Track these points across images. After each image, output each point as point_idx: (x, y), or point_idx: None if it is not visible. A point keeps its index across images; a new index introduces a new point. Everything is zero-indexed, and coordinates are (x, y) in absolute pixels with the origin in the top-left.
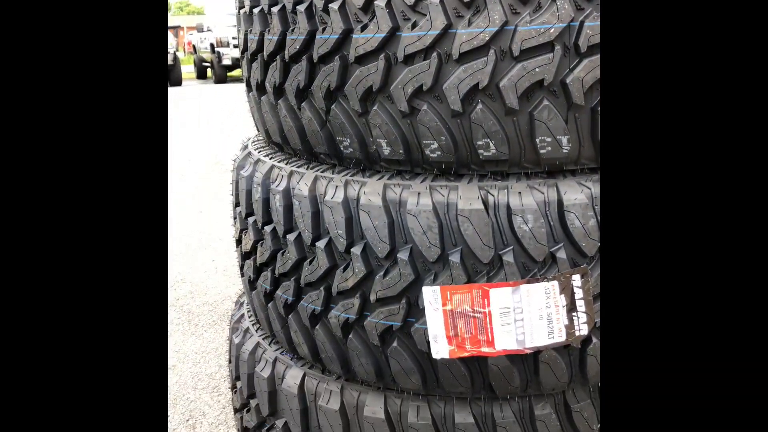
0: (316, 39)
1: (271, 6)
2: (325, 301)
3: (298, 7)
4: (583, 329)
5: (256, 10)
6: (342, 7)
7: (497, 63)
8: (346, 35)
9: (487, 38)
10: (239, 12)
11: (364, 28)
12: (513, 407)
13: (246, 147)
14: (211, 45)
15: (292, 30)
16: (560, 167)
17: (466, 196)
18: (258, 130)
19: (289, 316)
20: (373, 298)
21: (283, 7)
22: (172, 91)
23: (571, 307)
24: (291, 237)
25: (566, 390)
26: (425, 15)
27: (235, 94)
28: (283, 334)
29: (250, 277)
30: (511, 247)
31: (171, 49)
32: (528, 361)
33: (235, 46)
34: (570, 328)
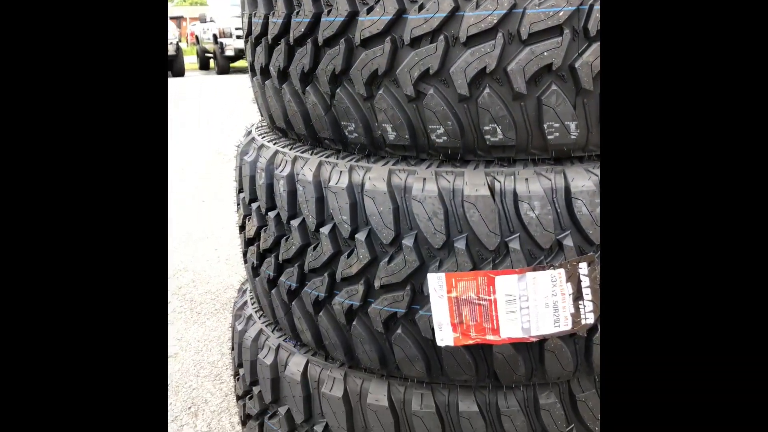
0: (322, 22)
1: None
2: (328, 288)
3: None
4: (589, 318)
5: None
6: None
7: (505, 46)
8: (352, 18)
9: (495, 21)
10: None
11: (370, 10)
12: (517, 396)
13: (250, 133)
14: (214, 36)
15: (297, 13)
16: (568, 153)
17: (473, 183)
18: (262, 115)
19: (293, 303)
20: (377, 284)
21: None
22: (175, 82)
23: (578, 296)
24: (295, 223)
25: (571, 379)
26: None
27: (238, 85)
28: (287, 320)
29: (253, 263)
30: (518, 234)
31: (174, 40)
32: (533, 350)
33: (239, 37)
34: (576, 316)
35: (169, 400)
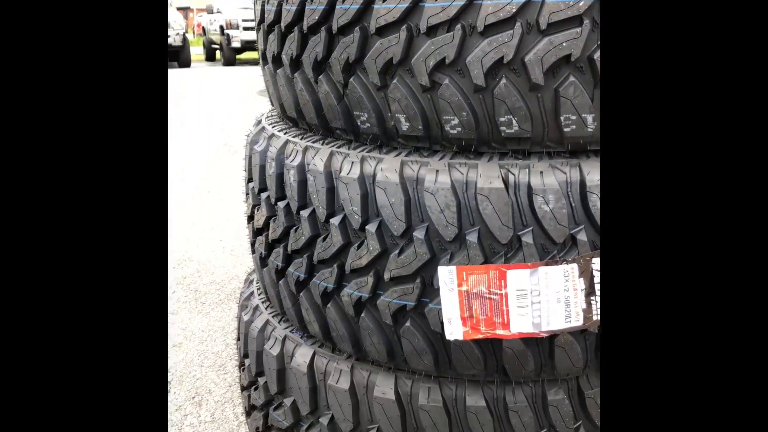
0: (336, 9)
1: None
2: (337, 279)
3: None
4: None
5: None
6: None
7: (523, 36)
8: (368, 5)
9: (514, 10)
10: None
11: None
12: (525, 391)
13: (260, 122)
14: (221, 27)
15: (312, 0)
16: (584, 147)
17: (486, 175)
18: (272, 104)
19: (301, 294)
20: (387, 276)
21: None
22: (181, 73)
23: (590, 291)
24: (305, 213)
25: (580, 375)
26: None
27: (244, 78)
28: (294, 311)
29: (261, 253)
30: (531, 228)
31: (180, 31)
32: (543, 345)
33: (245, 29)
34: (588, 312)
35: (173, 390)
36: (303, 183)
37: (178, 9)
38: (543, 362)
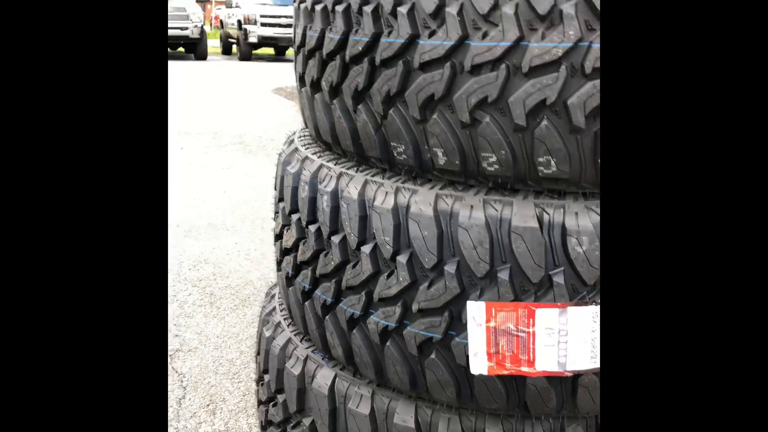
0: (381, 42)
1: (335, 4)
2: (365, 306)
3: (364, 8)
4: None
5: (318, 7)
6: (410, 12)
7: (567, 79)
8: (412, 41)
9: (560, 54)
10: (298, 6)
11: (431, 34)
12: (544, 426)
13: (292, 142)
14: (239, 21)
15: (356, 31)
16: None
17: (521, 213)
18: (306, 126)
19: (326, 317)
20: (415, 308)
21: (348, 7)
22: (197, 65)
23: None
24: (336, 239)
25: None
26: (497, 25)
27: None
28: (318, 334)
29: (288, 273)
30: (563, 269)
31: (198, 23)
32: (567, 384)
33: (263, 24)
34: None
35: (188, 396)
36: (336, 209)
37: (197, 1)
38: (565, 400)
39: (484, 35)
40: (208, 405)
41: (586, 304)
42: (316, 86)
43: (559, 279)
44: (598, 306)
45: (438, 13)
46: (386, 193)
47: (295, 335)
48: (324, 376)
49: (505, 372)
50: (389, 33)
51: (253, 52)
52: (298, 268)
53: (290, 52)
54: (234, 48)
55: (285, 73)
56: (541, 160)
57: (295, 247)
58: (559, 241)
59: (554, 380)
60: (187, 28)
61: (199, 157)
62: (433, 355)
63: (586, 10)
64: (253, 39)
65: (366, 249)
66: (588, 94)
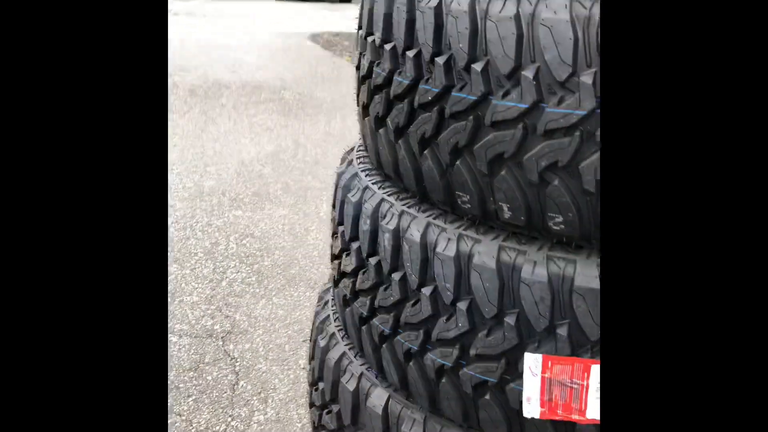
0: (452, 95)
1: (406, 49)
2: (422, 344)
3: (437, 59)
4: None
5: (387, 47)
6: (485, 70)
7: None
8: (485, 98)
9: None
10: (364, 38)
11: (505, 94)
12: None
13: (350, 162)
14: None
15: (427, 80)
16: None
17: (584, 273)
18: (366, 150)
19: (383, 346)
20: (472, 352)
21: (419, 54)
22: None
23: None
24: (396, 276)
25: None
26: (574, 93)
27: (295, 16)
28: (374, 358)
29: (345, 295)
30: None
31: None
32: None
33: None
34: None
35: (241, 383)
36: (397, 248)
37: None
38: None
39: (560, 101)
40: (260, 393)
41: None
42: (380, 122)
43: None
44: None
45: (513, 75)
46: (449, 239)
47: (349, 349)
48: (378, 396)
49: (557, 418)
50: (461, 87)
51: None
52: (356, 293)
53: None
54: None
55: (321, 18)
56: None
57: (354, 273)
58: None
59: None
60: None
61: (239, 115)
62: (487, 396)
63: None
64: None
65: (426, 291)
66: None
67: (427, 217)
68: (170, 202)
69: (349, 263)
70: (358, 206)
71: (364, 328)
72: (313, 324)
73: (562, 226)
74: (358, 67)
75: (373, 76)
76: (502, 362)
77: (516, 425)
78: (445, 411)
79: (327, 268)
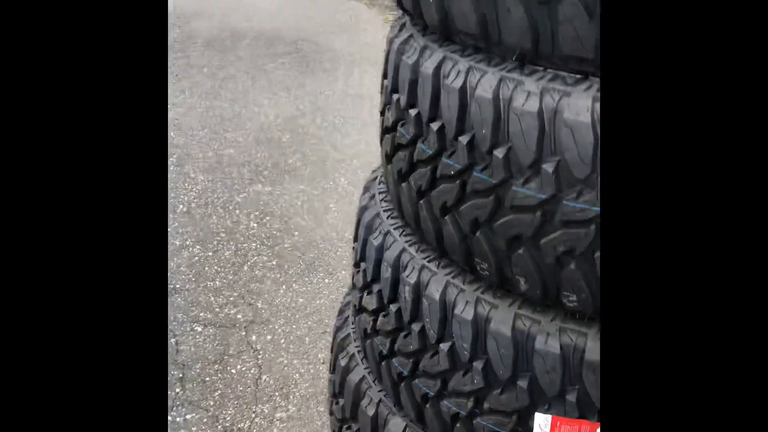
0: (474, 175)
1: (430, 121)
2: (439, 391)
3: (460, 138)
4: None
5: (412, 112)
6: (507, 157)
7: None
8: (505, 182)
9: None
10: (390, 93)
11: (526, 181)
12: None
13: (373, 197)
14: None
15: (449, 155)
16: None
17: (595, 348)
18: (389, 192)
19: (401, 384)
20: (486, 406)
21: (443, 128)
22: None
23: None
24: (416, 327)
25: None
26: (593, 190)
27: None
28: (392, 392)
29: (366, 329)
30: None
31: None
32: None
33: None
34: None
35: (263, 377)
36: (417, 301)
37: None
38: None
39: (578, 195)
40: (282, 388)
41: None
42: (403, 178)
43: None
44: None
45: (534, 165)
46: (467, 302)
47: (369, 373)
48: (396, 425)
49: None
50: (483, 169)
51: None
52: (377, 332)
53: None
54: None
55: None
56: None
57: (374, 313)
58: None
59: None
60: None
61: (257, 71)
62: None
63: None
64: None
65: (444, 347)
66: None
67: (447, 275)
68: (191, 174)
69: (370, 302)
70: (380, 251)
71: (383, 363)
72: (334, 338)
73: (576, 304)
74: (382, 113)
75: (398, 134)
76: (514, 417)
77: None
78: None
79: (345, 252)
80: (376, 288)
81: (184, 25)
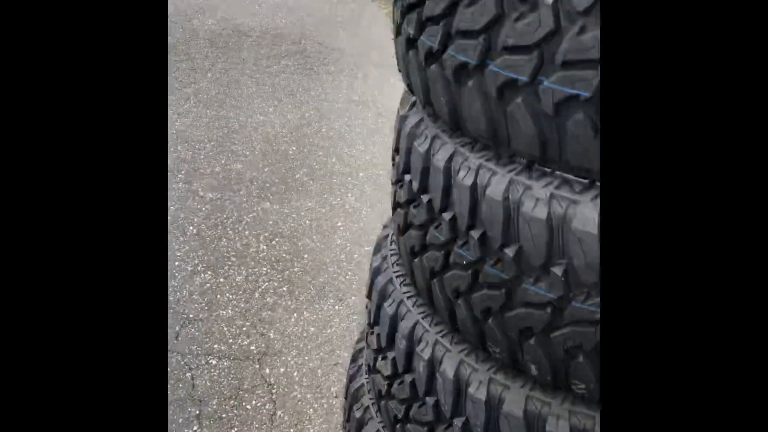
0: (485, 268)
1: (441, 210)
2: None
3: (471, 231)
4: None
5: (424, 198)
6: (517, 255)
7: None
8: (517, 278)
9: None
10: (400, 172)
11: (536, 281)
12: None
13: (385, 258)
14: None
15: (462, 245)
16: None
17: None
18: (401, 257)
19: None
20: None
21: (455, 219)
22: None
23: None
24: (430, 400)
25: None
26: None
27: None
28: None
29: (380, 391)
30: None
31: None
32: None
33: None
34: None
35: (278, 412)
36: (431, 378)
37: None
38: None
39: (587, 297)
40: (296, 424)
41: None
42: (415, 255)
43: None
44: None
45: (543, 267)
46: (480, 382)
47: (382, 427)
48: None
49: None
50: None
51: None
52: (392, 395)
53: None
54: None
55: None
56: None
57: (389, 379)
58: None
59: None
60: None
61: (261, 74)
62: None
63: None
64: None
65: (458, 422)
66: None
67: (460, 352)
68: (200, 192)
69: (384, 367)
70: (394, 320)
71: (398, 425)
72: (348, 387)
73: (585, 392)
74: (394, 195)
75: (410, 213)
76: None
77: None
78: None
79: (355, 276)
80: (390, 355)
81: (185, 24)
